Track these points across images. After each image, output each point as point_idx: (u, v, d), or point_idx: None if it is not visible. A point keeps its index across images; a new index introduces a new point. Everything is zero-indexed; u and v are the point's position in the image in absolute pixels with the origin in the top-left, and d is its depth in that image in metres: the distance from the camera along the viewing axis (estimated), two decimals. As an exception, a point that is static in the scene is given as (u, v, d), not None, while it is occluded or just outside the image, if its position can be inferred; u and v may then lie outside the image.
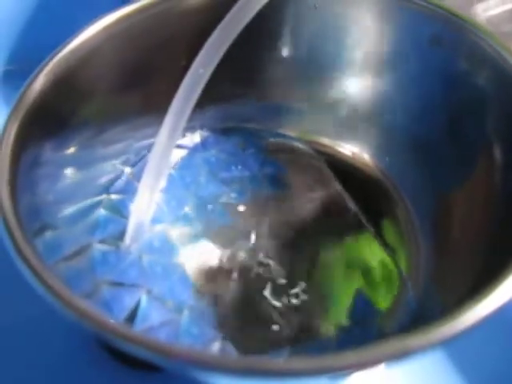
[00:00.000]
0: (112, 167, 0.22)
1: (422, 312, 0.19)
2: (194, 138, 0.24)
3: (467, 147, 0.19)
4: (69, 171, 0.18)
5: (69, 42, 0.16)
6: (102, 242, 0.20)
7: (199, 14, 0.20)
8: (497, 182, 0.18)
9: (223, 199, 0.22)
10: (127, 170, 0.22)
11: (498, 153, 0.18)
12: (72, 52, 0.16)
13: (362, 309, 0.19)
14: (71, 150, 0.18)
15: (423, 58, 0.20)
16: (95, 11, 0.18)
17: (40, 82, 0.15)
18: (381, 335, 0.18)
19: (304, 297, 0.19)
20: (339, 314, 0.19)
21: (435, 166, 0.21)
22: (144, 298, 0.19)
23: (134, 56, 0.19)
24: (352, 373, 0.13)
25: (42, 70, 0.16)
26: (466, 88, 0.19)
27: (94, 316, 0.11)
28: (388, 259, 0.21)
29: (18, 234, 0.13)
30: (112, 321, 0.11)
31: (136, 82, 0.20)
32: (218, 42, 0.19)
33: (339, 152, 0.24)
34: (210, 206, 0.22)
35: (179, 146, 0.23)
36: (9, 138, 0.14)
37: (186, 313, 0.18)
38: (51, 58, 0.16)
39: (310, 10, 0.21)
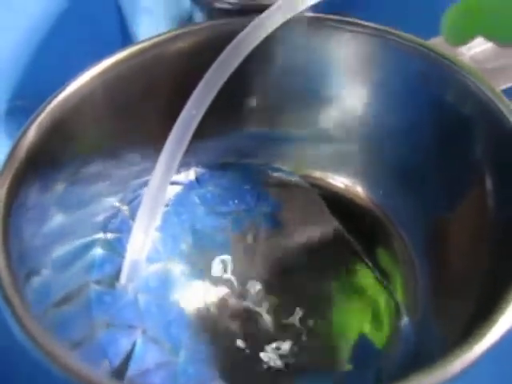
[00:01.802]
0: (108, 205, 0.22)
1: (421, 345, 0.18)
2: (189, 174, 0.24)
3: (458, 174, 0.20)
4: (59, 212, 0.18)
5: (62, 90, 0.17)
6: (98, 282, 0.20)
7: (192, 55, 0.21)
8: (489, 206, 0.18)
9: (220, 234, 0.22)
10: (124, 207, 0.22)
11: (488, 178, 0.18)
12: (65, 100, 0.17)
13: (364, 351, 0.19)
14: (59, 189, 0.18)
15: (411, 91, 0.20)
16: (97, 50, 0.19)
17: (33, 132, 0.16)
18: (380, 372, 0.18)
19: (303, 336, 0.19)
20: (340, 355, 0.19)
21: (428, 194, 0.21)
22: (140, 340, 0.19)
23: (128, 98, 0.20)
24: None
25: (34, 119, 0.16)
26: (452, 119, 0.20)
27: (80, 372, 0.11)
28: (385, 292, 0.21)
29: (6, 281, 0.13)
30: (99, 377, 0.11)
31: (130, 123, 0.20)
32: (210, 83, 0.19)
33: (332, 185, 0.24)
34: (206, 242, 0.22)
35: (174, 183, 0.24)
36: (2, 189, 0.14)
37: (182, 353, 0.18)
38: (45, 107, 0.16)
39: (299, 49, 0.21)
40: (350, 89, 0.22)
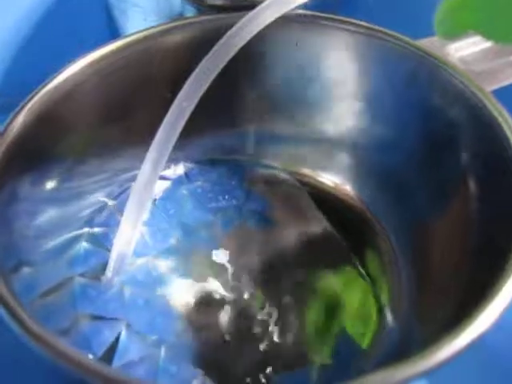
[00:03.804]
0: (95, 200, 0.22)
1: (404, 344, 0.19)
2: (178, 169, 0.24)
3: (443, 179, 0.20)
4: (49, 206, 0.18)
5: (53, 78, 0.17)
6: (83, 275, 0.20)
7: (182, 50, 0.21)
8: (472, 212, 0.18)
9: (208, 229, 0.22)
10: (110, 202, 0.22)
11: (472, 184, 0.18)
12: (56, 88, 0.17)
13: (347, 350, 0.19)
14: (51, 183, 0.18)
15: (399, 93, 0.21)
16: (83, 46, 0.19)
17: (22, 118, 0.15)
18: (362, 372, 0.18)
19: (288, 333, 0.19)
20: (322, 352, 0.19)
21: (413, 197, 0.21)
22: (124, 332, 0.18)
23: (118, 90, 0.20)
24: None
25: (25, 105, 0.16)
26: (440, 122, 0.20)
27: (70, 355, 0.11)
28: (370, 291, 0.21)
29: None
30: (88, 360, 0.11)
31: (120, 116, 0.20)
32: (201, 77, 0.19)
33: (322, 183, 0.24)
34: (194, 237, 0.22)
35: (163, 178, 0.23)
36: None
37: (164, 349, 0.18)
38: (35, 94, 0.16)
39: (292, 47, 0.21)
40: (337, 88, 0.22)
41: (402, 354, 0.18)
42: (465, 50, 0.19)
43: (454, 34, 0.15)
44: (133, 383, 0.11)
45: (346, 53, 0.21)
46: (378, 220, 0.22)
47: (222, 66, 0.19)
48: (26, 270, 0.16)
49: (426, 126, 0.20)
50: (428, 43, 0.19)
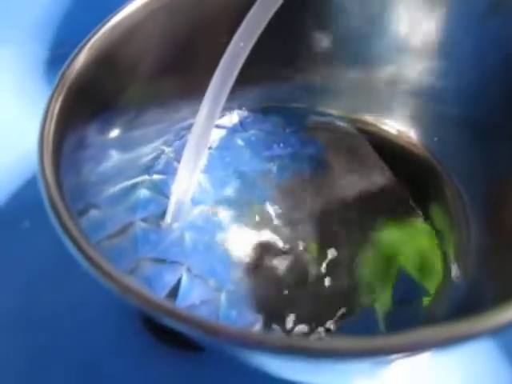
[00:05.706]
0: (153, 148, 0.22)
1: (472, 298, 0.18)
2: (233, 118, 0.24)
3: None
4: (112, 153, 0.18)
5: (110, 19, 0.16)
6: (143, 220, 0.20)
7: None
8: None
9: (265, 178, 0.22)
10: (167, 150, 0.22)
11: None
12: (113, 28, 0.16)
13: (406, 286, 0.19)
14: (115, 131, 0.18)
15: (478, 31, 0.19)
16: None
17: (82, 59, 0.15)
18: (430, 319, 0.18)
19: (347, 278, 0.19)
20: (384, 294, 0.19)
21: (490, 149, 0.19)
22: (185, 276, 0.19)
23: (175, 32, 0.19)
24: (397, 358, 0.13)
25: (83, 46, 0.16)
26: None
27: (139, 292, 0.11)
28: (435, 244, 0.20)
29: (64, 213, 0.13)
30: (157, 297, 0.11)
31: (177, 60, 0.20)
32: (258, 16, 0.18)
33: (384, 130, 0.23)
34: (250, 186, 0.22)
35: (218, 126, 0.23)
36: (52, 116, 0.14)
37: (225, 295, 0.18)
38: (93, 35, 0.16)
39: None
40: (408, 30, 0.20)
41: (469, 308, 0.17)
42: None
43: None
44: (199, 320, 0.11)
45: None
46: (445, 170, 0.21)
47: (279, 3, 0.18)
48: (92, 213, 0.16)
49: (509, 68, 0.18)
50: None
